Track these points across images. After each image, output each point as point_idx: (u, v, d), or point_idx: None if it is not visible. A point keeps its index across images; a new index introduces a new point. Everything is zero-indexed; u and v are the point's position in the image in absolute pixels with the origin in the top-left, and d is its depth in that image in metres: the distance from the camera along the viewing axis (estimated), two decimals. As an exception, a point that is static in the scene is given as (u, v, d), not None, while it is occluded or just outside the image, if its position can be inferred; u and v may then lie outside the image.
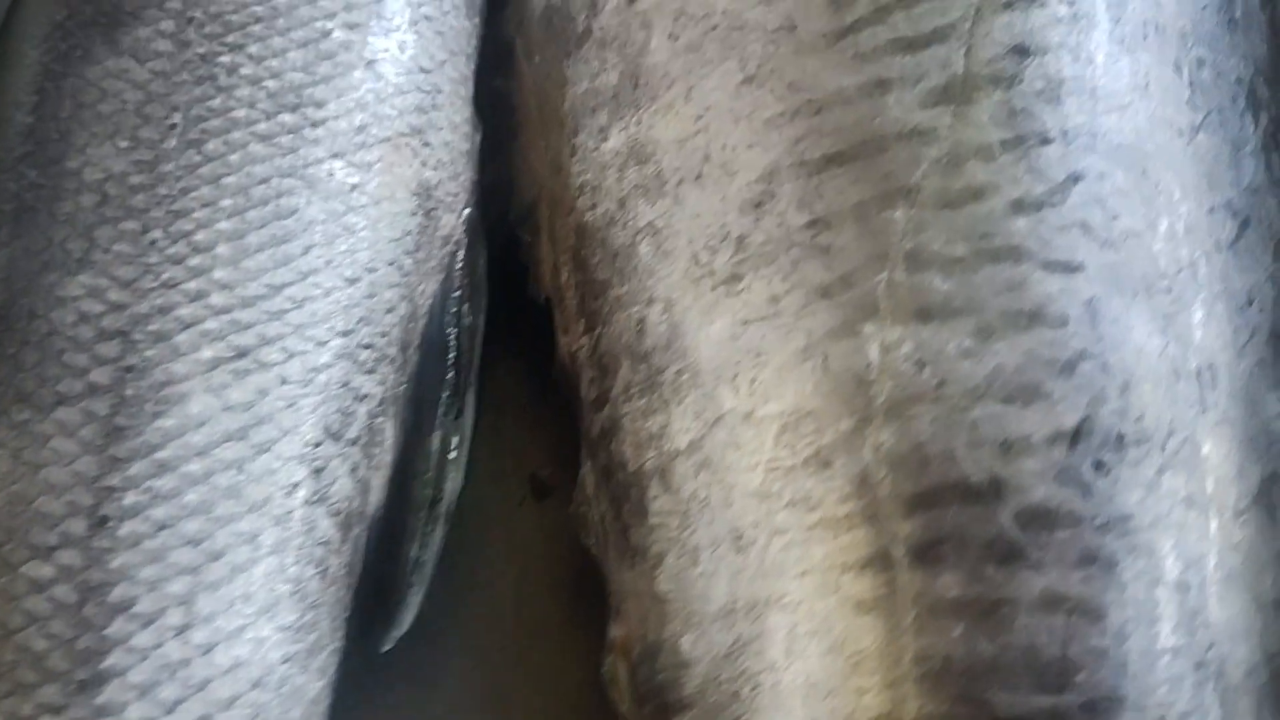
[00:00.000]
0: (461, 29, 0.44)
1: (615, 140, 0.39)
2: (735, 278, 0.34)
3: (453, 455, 0.39)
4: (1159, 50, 0.34)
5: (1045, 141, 0.33)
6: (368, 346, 0.38)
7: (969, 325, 0.31)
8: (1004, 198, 0.32)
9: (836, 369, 0.32)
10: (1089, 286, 0.31)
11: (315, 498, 0.36)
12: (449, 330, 0.40)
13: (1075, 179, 0.32)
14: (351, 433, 0.37)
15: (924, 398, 0.31)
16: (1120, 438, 0.30)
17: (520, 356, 0.44)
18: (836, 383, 0.31)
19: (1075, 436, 0.30)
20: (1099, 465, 0.30)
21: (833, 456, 0.31)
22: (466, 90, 0.44)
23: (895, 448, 0.30)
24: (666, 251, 0.36)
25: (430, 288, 0.40)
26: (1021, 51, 0.34)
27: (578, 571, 0.40)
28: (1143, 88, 0.34)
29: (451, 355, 0.40)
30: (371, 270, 0.39)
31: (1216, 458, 0.31)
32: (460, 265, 0.41)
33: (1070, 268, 0.31)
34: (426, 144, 0.41)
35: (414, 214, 0.40)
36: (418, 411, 0.39)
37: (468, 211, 0.42)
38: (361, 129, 0.40)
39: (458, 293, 0.41)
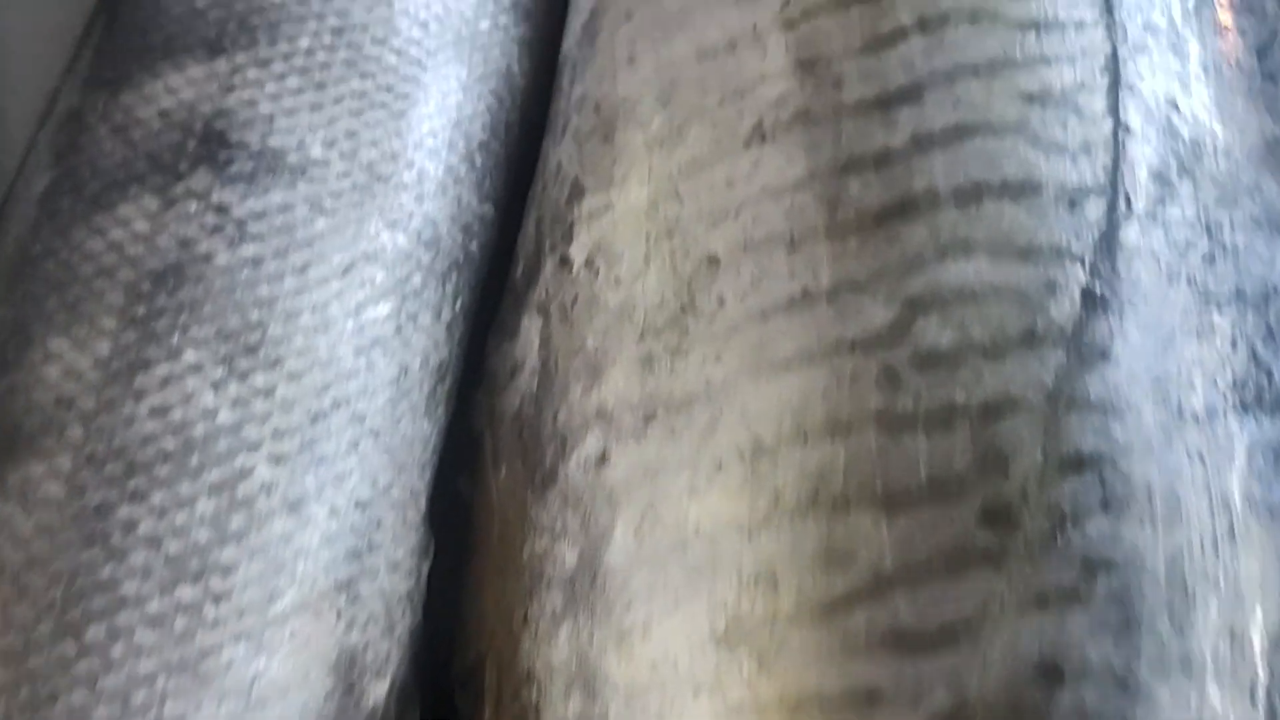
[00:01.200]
0: (417, 435, 0.38)
1: (565, 647, 0.32)
2: None
3: None
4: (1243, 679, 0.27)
5: (1073, 819, 0.25)
6: None
7: None
8: None
9: None
10: None
11: None
12: None
13: None
14: None
15: None
16: None
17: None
18: None
19: None
20: None
21: None
22: (416, 510, 0.37)
23: None
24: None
25: (340, 787, 0.34)
26: (1053, 675, 0.26)
27: None
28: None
29: None
30: (267, 782, 0.33)
31: None
32: (383, 749, 0.35)
33: None
34: (355, 599, 0.35)
35: (330, 694, 0.34)
36: None
37: (402, 671, 0.36)
38: (274, 597, 0.34)
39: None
